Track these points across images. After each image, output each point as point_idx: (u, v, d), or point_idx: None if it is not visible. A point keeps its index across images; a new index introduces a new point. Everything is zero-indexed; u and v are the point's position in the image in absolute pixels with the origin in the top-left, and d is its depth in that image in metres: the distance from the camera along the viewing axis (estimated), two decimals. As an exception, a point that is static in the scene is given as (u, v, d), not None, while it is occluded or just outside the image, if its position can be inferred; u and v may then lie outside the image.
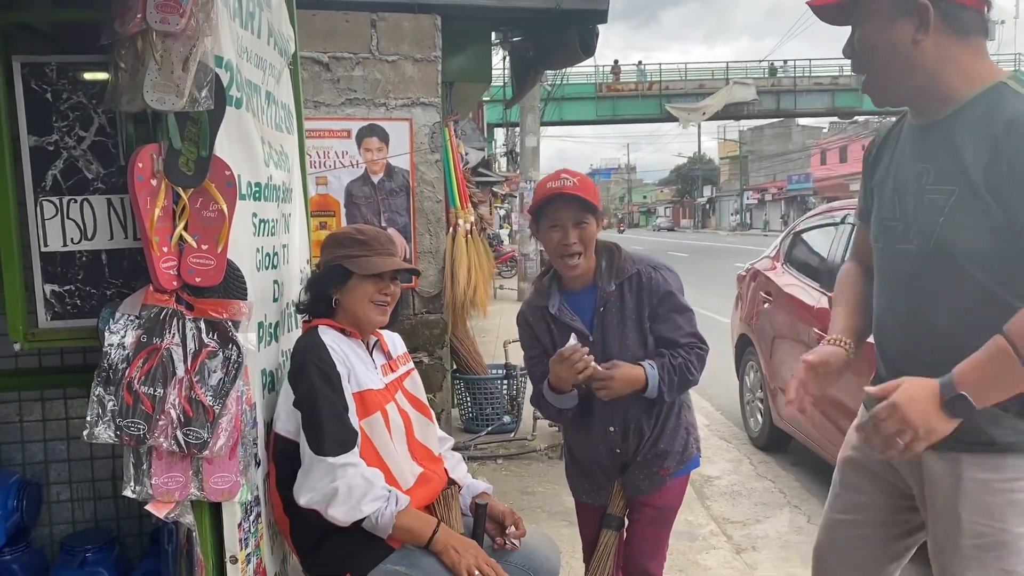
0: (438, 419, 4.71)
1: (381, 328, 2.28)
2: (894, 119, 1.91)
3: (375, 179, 4.75)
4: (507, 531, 2.26)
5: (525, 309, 2.47)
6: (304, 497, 1.97)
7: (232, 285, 1.74)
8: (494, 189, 23.13)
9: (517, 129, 16.44)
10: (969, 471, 1.62)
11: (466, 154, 5.83)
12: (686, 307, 2.36)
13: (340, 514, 1.97)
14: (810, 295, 4.77)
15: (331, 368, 2.04)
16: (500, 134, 28.71)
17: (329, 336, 2.11)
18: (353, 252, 2.17)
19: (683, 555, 3.81)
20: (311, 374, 2.02)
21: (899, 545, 1.92)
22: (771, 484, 4.94)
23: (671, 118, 31.00)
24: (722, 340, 6.56)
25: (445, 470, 2.34)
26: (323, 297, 2.18)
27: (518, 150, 17.27)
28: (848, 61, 1.79)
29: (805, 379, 1.83)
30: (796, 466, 5.23)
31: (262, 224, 2.10)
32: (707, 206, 70.72)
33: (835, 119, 41.92)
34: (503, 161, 29.35)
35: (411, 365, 2.38)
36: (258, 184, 2.05)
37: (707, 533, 4.12)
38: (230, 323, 1.70)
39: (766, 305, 5.43)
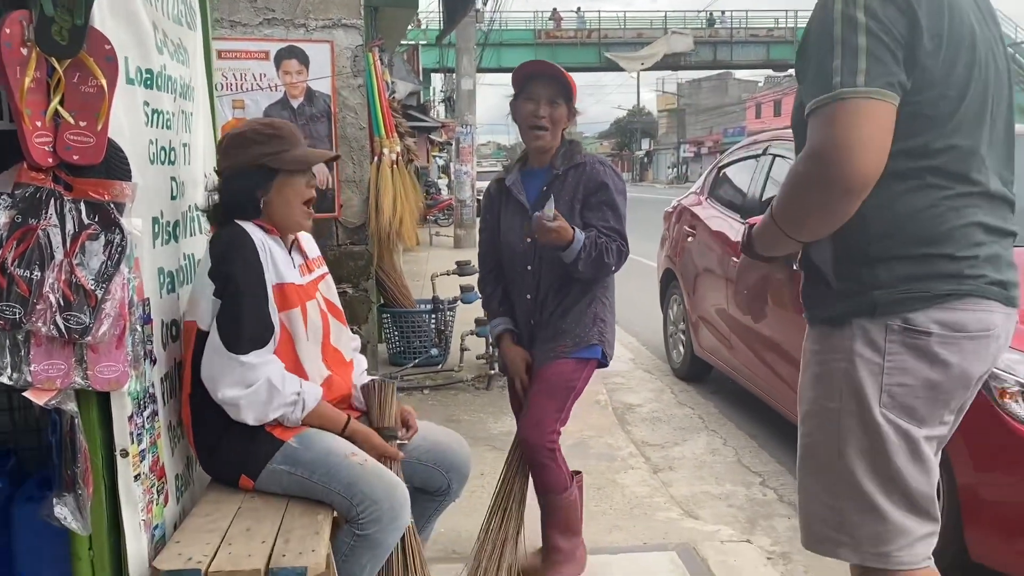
0: (363, 352, 4.69)
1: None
2: None
3: (295, 103, 4.62)
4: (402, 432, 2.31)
5: (490, 182, 2.79)
6: (220, 393, 1.96)
7: (114, 166, 1.66)
8: (431, 137, 22.85)
9: (455, 75, 16.20)
10: (805, 343, 1.74)
11: (392, 83, 5.71)
12: (618, 207, 2.58)
13: (250, 418, 1.98)
14: (731, 227, 4.84)
15: (253, 256, 1.99)
16: (438, 81, 28.27)
17: (248, 227, 2.06)
18: (274, 148, 2.08)
19: (602, 475, 3.89)
20: (233, 264, 1.97)
21: None
22: (691, 411, 5.06)
23: (611, 67, 30.91)
24: (652, 282, 6.65)
25: (352, 385, 2.32)
26: (249, 200, 2.08)
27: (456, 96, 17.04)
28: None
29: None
30: (715, 394, 5.36)
31: (156, 115, 2.01)
32: (645, 159, 71.11)
33: (770, 72, 42.33)
34: (441, 108, 28.95)
35: (325, 268, 2.34)
36: (149, 71, 1.96)
37: (626, 455, 4.20)
38: (112, 205, 1.63)
39: (690, 240, 5.50)
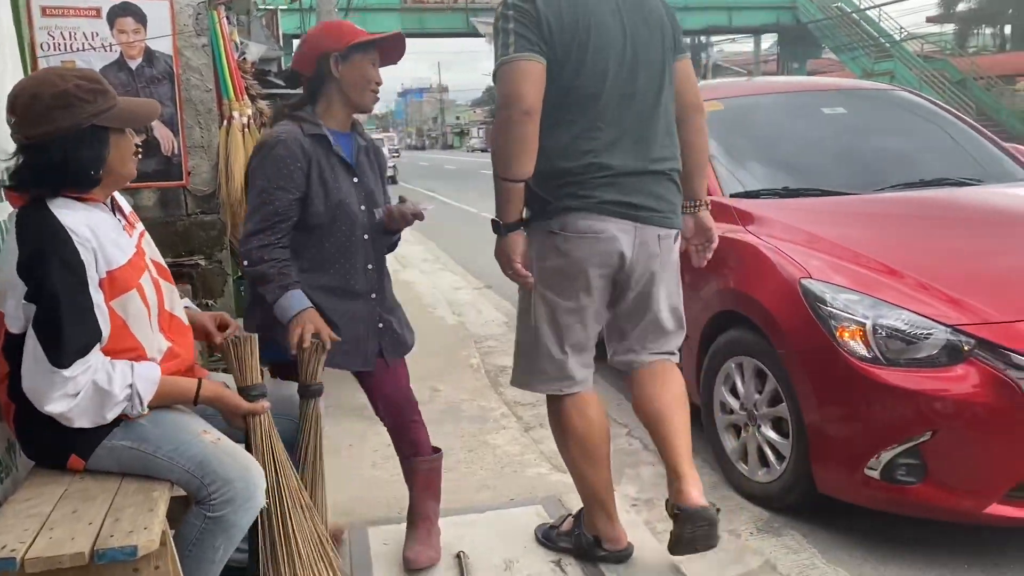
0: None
1: None
2: None
3: (132, 64, 4.31)
4: (224, 332, 2.20)
5: (287, 137, 2.31)
6: (47, 407, 1.78)
7: None
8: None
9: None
10: None
11: (242, 43, 5.44)
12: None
13: (86, 423, 1.83)
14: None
15: (73, 256, 1.79)
16: (301, 48, 27.26)
17: (66, 214, 1.82)
18: (105, 104, 1.87)
19: (474, 436, 3.88)
20: (47, 266, 1.76)
21: None
22: (561, 369, 5.11)
23: (479, 33, 30.68)
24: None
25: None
26: (90, 170, 1.87)
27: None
28: None
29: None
30: (585, 352, 5.44)
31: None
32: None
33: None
34: (306, 76, 28.02)
35: (142, 226, 2.16)
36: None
37: (498, 415, 4.21)
38: None
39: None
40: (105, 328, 1.84)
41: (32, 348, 1.78)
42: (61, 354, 1.76)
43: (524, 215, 2.34)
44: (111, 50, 4.26)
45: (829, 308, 2.75)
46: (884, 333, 2.65)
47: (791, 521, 2.98)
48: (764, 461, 3.08)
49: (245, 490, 1.90)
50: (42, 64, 4.04)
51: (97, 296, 1.83)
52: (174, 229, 4.69)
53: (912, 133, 4.12)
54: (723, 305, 3.27)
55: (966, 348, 2.56)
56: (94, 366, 1.80)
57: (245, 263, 2.34)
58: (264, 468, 1.98)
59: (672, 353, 2.58)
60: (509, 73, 2.20)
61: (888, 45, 29.56)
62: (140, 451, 1.89)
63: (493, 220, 2.34)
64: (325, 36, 2.43)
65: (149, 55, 4.33)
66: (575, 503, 2.85)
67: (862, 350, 2.66)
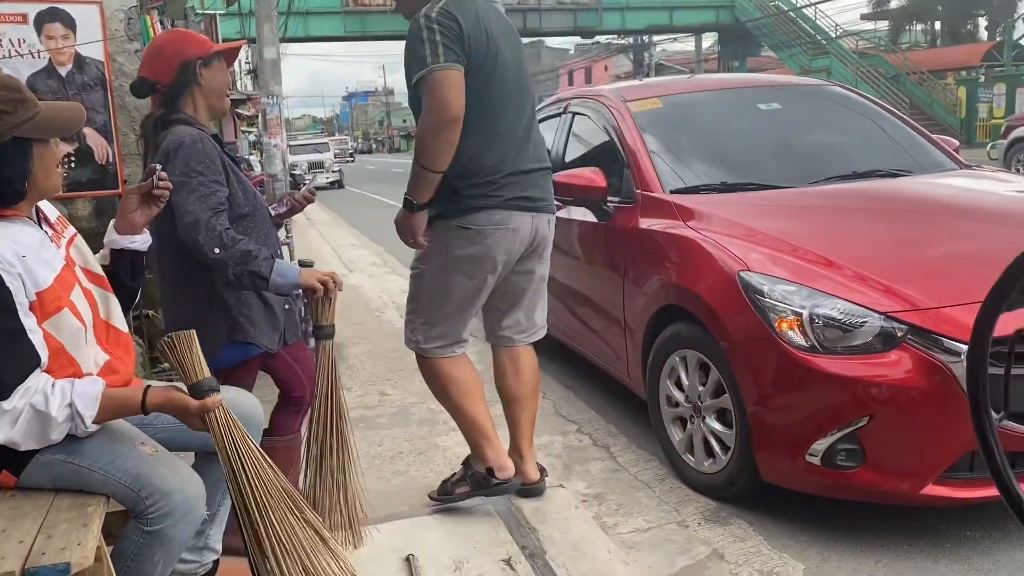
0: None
1: None
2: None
3: (63, 71, 4.20)
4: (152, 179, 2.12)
5: (202, 136, 2.38)
6: None
7: None
8: (238, 111, 21.75)
9: (257, 45, 15.44)
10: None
11: (177, 49, 5.33)
12: None
13: (35, 446, 1.77)
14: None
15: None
16: (242, 52, 26.88)
17: None
18: (27, 114, 1.79)
19: (423, 439, 3.86)
20: None
21: None
22: (511, 369, 5.12)
23: (422, 37, 30.54)
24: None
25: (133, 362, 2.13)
26: (16, 185, 1.80)
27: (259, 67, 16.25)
28: None
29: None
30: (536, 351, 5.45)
31: None
32: (465, 129, 71.31)
33: (580, 40, 43.46)
34: (248, 80, 27.63)
35: (71, 228, 2.10)
36: None
37: (447, 418, 4.13)
38: None
39: (501, 200, 5.54)
40: (43, 352, 1.77)
41: None
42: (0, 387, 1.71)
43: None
44: (40, 57, 4.15)
45: (767, 299, 2.80)
46: (820, 322, 2.71)
47: (738, 510, 3.03)
48: (710, 452, 3.13)
49: (184, 503, 1.85)
50: (-34, 72, 3.91)
51: (29, 321, 1.76)
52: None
53: (845, 127, 4.23)
54: (666, 300, 3.31)
55: (899, 334, 2.63)
56: (32, 388, 1.74)
57: (218, 250, 2.28)
58: (230, 462, 1.89)
59: (542, 329, 3.17)
60: (441, 80, 2.48)
61: (824, 42, 30.23)
62: (74, 465, 1.83)
63: (407, 197, 2.66)
64: (188, 42, 2.50)
65: (80, 61, 4.23)
66: (525, 503, 2.86)
67: (800, 339, 2.72)
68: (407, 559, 2.47)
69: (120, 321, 2.09)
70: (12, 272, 1.74)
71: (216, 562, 2.31)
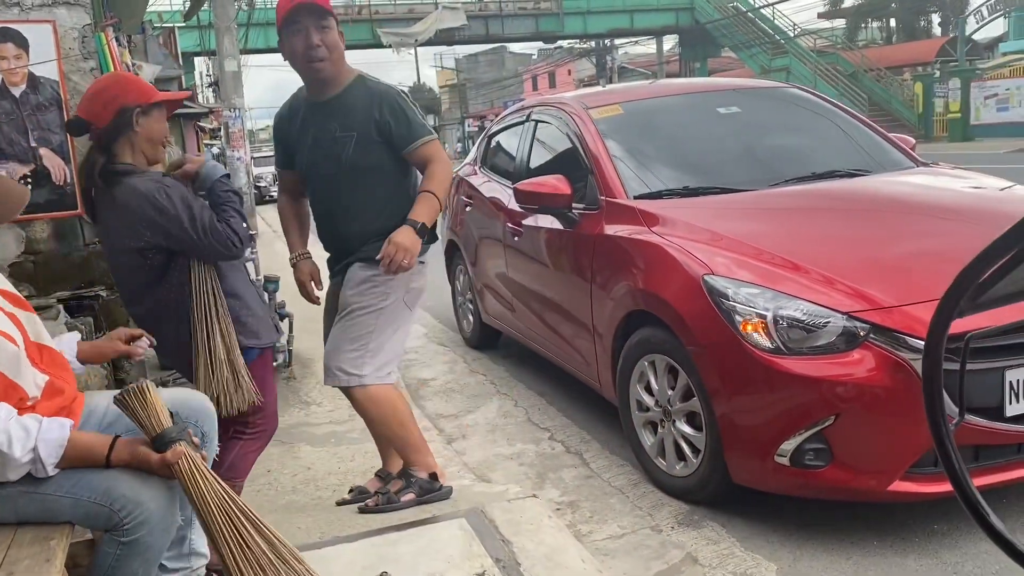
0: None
1: None
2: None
3: (16, 92, 4.12)
4: (137, 341, 2.32)
5: (155, 188, 2.47)
6: None
7: None
8: (200, 124, 21.53)
9: (218, 57, 15.29)
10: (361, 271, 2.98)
11: (134, 64, 5.26)
12: None
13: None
14: (504, 193, 4.90)
15: None
16: (203, 65, 26.63)
17: None
18: None
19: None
20: None
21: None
22: (483, 377, 5.12)
23: (385, 45, 30.44)
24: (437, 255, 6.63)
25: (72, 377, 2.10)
26: None
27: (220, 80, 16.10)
28: None
29: (310, 291, 3.17)
30: (506, 359, 5.46)
31: None
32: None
33: (542, 45, 43.59)
34: (210, 93, 27.38)
35: None
36: None
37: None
38: None
39: (468, 209, 5.53)
40: None
41: None
42: None
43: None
44: (-9, 77, 4.07)
45: (732, 302, 2.83)
46: (784, 324, 2.74)
47: (710, 513, 3.05)
48: (681, 455, 3.15)
49: (160, 509, 1.84)
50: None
51: None
52: (71, 261, 4.51)
53: (803, 128, 4.28)
54: (634, 305, 3.32)
55: (861, 333, 2.67)
56: None
57: (238, 235, 2.49)
58: (199, 509, 1.85)
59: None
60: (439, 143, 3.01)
61: (783, 42, 30.61)
62: (39, 494, 1.80)
63: (423, 223, 2.84)
64: (128, 89, 2.52)
65: (33, 81, 4.16)
66: (497, 513, 2.86)
67: (765, 341, 2.75)
68: (381, 576, 2.45)
69: (49, 340, 2.07)
70: None
71: (208, 567, 2.29)
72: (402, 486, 3.05)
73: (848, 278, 2.83)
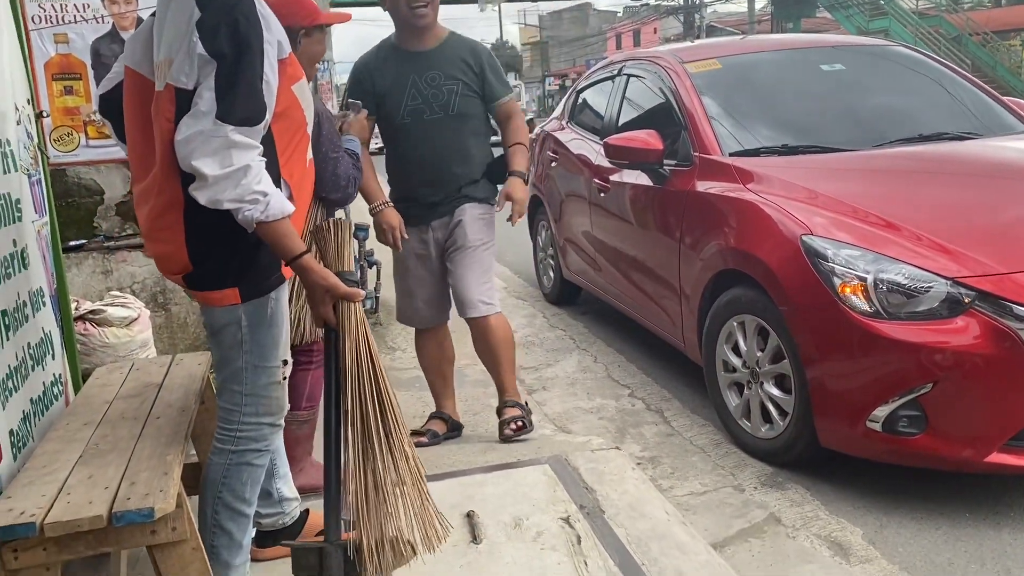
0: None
1: None
2: None
3: (125, 36, 4.26)
4: None
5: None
6: (194, 161, 1.68)
7: None
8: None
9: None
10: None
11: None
12: None
13: (202, 197, 1.71)
14: (591, 149, 4.86)
15: (257, 25, 1.73)
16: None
17: None
18: None
19: (478, 400, 3.91)
20: (236, 27, 1.70)
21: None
22: (562, 332, 5.15)
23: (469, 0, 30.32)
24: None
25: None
26: None
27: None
28: None
29: (398, 236, 3.18)
30: (585, 315, 5.47)
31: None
32: (512, 94, 70.70)
33: (628, 2, 42.73)
34: (296, 47, 27.67)
35: None
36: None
37: (500, 380, 4.23)
38: None
39: (553, 164, 5.51)
40: (269, 110, 1.76)
41: (203, 99, 1.69)
42: (231, 111, 1.69)
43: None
44: (103, 22, 4.21)
45: (830, 264, 2.76)
46: (885, 288, 2.67)
47: (794, 475, 3.02)
48: (767, 418, 3.11)
49: (273, 433, 1.98)
50: (35, 38, 4.01)
51: (271, 75, 1.76)
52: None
53: (910, 88, 4.11)
54: (724, 264, 3.28)
55: (966, 300, 2.58)
56: (254, 151, 1.72)
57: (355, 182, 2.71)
58: (358, 366, 1.88)
59: None
60: None
61: (882, 2, 29.25)
62: (243, 337, 1.89)
63: (526, 172, 3.18)
64: (296, 9, 2.42)
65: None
66: (580, 461, 2.89)
67: (863, 305, 2.68)
68: (468, 515, 2.51)
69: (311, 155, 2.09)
70: (265, 19, 1.76)
71: (306, 512, 2.39)
72: (523, 413, 3.28)
73: (954, 243, 2.73)
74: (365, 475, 1.86)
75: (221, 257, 1.84)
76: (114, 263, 4.29)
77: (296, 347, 2.61)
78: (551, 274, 5.84)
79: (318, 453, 2.46)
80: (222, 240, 1.82)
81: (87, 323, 3.42)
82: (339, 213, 3.91)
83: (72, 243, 4.15)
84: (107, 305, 3.71)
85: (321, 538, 1.96)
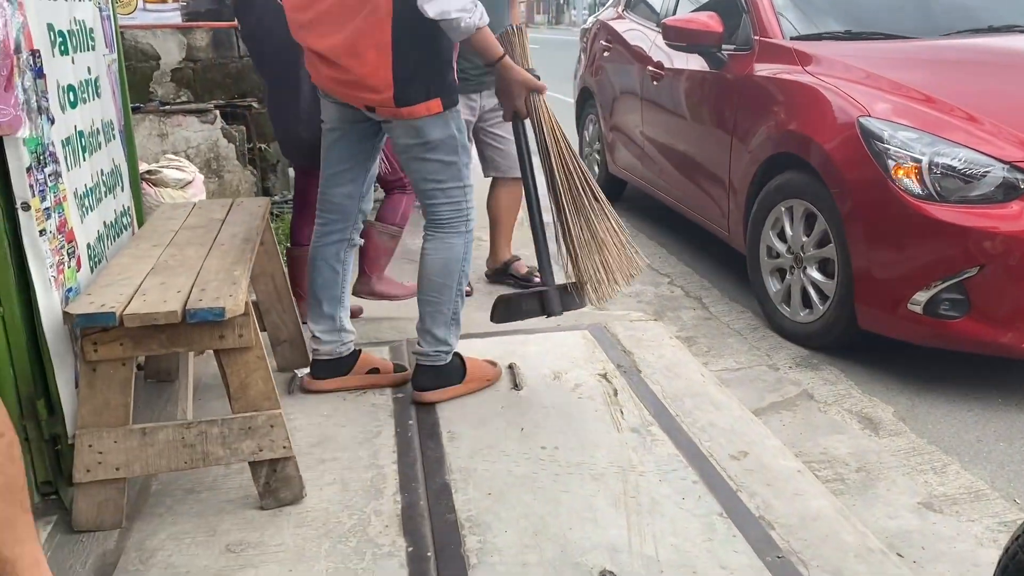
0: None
1: None
2: None
3: None
4: None
5: None
6: None
7: None
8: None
9: None
10: None
11: None
12: None
13: (432, 9, 2.01)
14: (646, 40, 4.78)
15: None
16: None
17: None
18: None
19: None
20: None
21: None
22: (605, 225, 5.16)
23: (525, -102, 29.25)
24: (567, 114, 6.58)
25: None
26: None
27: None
28: None
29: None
30: (629, 210, 5.46)
31: None
32: (561, 1, 68.84)
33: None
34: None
35: None
36: None
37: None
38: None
39: (607, 55, 5.42)
40: None
41: None
42: None
43: None
44: None
45: (886, 145, 2.74)
46: (939, 172, 2.65)
47: (829, 358, 3.07)
48: (807, 303, 3.15)
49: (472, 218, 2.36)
50: None
51: None
52: (227, 70, 4.73)
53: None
54: (775, 149, 3.26)
55: (1023, 185, 2.56)
56: None
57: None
58: (556, 144, 2.30)
59: None
60: None
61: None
62: (458, 140, 2.25)
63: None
64: None
65: None
66: (619, 329, 2.96)
67: (916, 187, 2.67)
68: (510, 367, 2.61)
69: None
70: None
71: (358, 351, 2.52)
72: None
73: (1016, 128, 2.68)
74: (580, 225, 2.32)
75: (423, 75, 2.14)
76: (170, 127, 4.37)
77: (387, 177, 2.95)
78: (596, 169, 5.81)
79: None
80: (423, 61, 2.12)
81: (144, 182, 3.52)
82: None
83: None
84: (163, 167, 3.81)
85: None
